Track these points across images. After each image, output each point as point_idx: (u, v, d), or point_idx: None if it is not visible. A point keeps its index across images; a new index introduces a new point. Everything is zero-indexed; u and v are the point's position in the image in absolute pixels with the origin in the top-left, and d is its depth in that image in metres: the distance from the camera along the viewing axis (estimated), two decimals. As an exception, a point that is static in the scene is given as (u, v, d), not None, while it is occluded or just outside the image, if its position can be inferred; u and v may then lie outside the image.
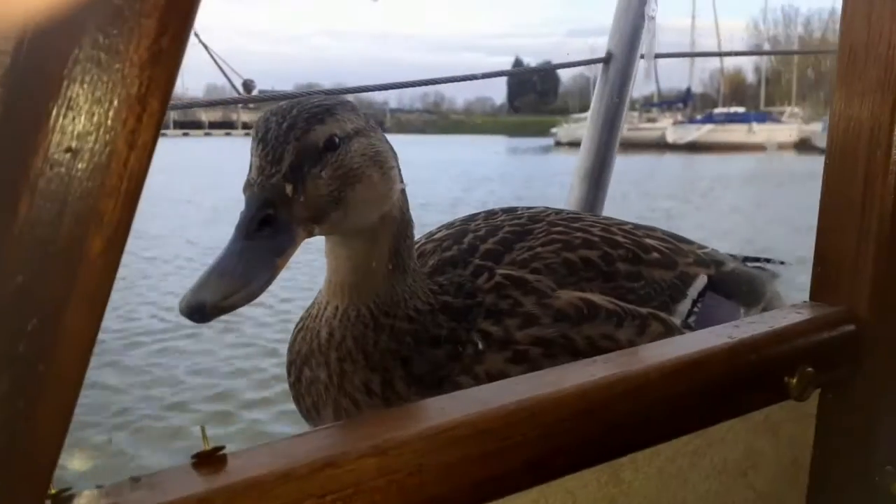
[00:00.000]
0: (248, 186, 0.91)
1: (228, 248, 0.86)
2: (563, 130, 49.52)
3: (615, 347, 1.06)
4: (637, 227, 1.28)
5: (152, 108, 0.53)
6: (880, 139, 0.93)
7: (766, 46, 67.39)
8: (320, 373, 1.07)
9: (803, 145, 43.07)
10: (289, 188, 0.90)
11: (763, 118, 47.64)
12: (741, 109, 50.78)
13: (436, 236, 1.25)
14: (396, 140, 1.11)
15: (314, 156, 0.93)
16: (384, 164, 1.01)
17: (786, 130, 45.92)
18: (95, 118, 0.51)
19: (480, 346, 1.05)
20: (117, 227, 0.53)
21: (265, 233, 0.87)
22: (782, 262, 1.49)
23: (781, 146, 43.73)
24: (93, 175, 0.52)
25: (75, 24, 0.51)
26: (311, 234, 0.94)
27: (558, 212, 1.29)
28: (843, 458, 1.00)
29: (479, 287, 1.10)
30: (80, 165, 0.51)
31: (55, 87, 0.50)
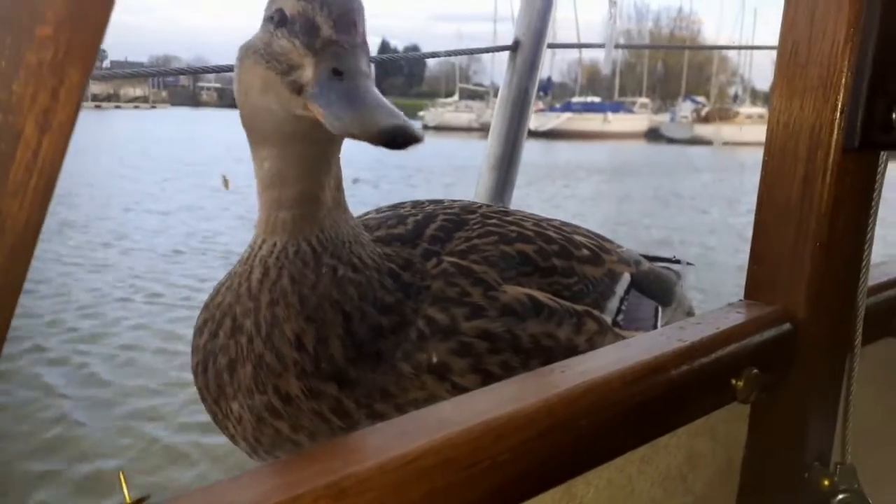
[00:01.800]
0: (332, 43, 0.84)
1: (364, 87, 0.80)
2: (431, 114, 50.06)
3: (556, 345, 1.02)
4: (563, 223, 1.25)
5: (72, 79, 0.40)
6: (822, 138, 0.92)
7: (621, 40, 71.02)
8: (245, 321, 0.94)
9: (652, 135, 46.00)
10: (368, 55, 0.87)
11: (617, 108, 50.31)
12: (597, 99, 53.33)
13: (373, 216, 1.17)
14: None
15: (366, 31, 0.90)
16: None
17: (637, 120, 48.83)
18: None
19: (425, 332, 0.97)
20: (23, 234, 0.40)
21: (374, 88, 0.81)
22: (689, 263, 1.51)
23: (633, 135, 46.45)
24: None
25: None
26: None
27: (488, 205, 1.24)
28: (775, 456, 1.01)
29: (427, 271, 1.02)
30: None
31: None
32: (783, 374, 0.98)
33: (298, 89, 0.85)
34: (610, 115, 47.43)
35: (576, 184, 20.51)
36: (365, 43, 0.88)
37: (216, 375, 0.98)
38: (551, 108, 48.54)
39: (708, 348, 0.87)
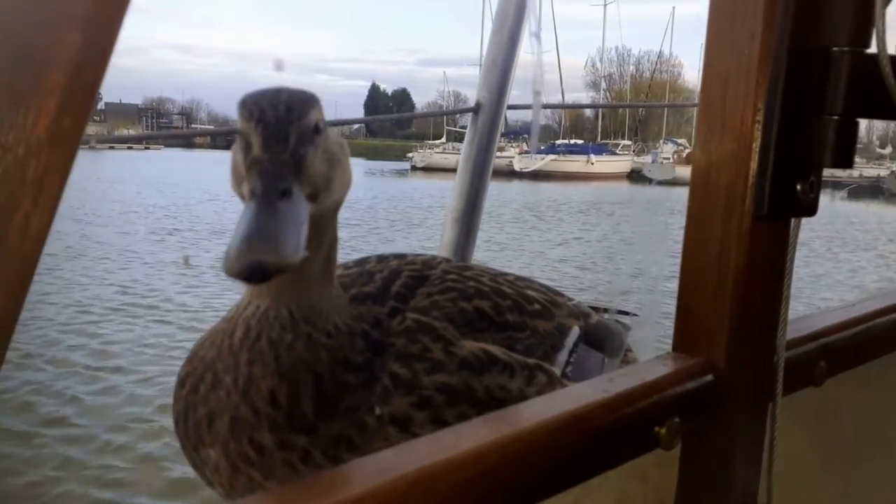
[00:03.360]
0: (256, 163, 0.90)
1: (258, 214, 0.82)
2: (419, 156, 50.70)
3: (508, 396, 1.10)
4: (518, 277, 1.34)
5: (49, 190, 0.49)
6: (735, 206, 1.02)
7: (603, 84, 72.45)
8: (225, 377, 1.01)
9: (635, 176, 46.63)
10: (296, 165, 0.92)
11: (600, 150, 51.01)
12: (580, 141, 54.05)
13: (345, 272, 1.25)
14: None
15: (309, 137, 0.95)
16: (347, 155, 1.05)
17: (620, 162, 49.51)
18: None
19: (390, 387, 1.05)
20: (4, 323, 0.48)
21: (285, 203, 0.85)
22: (635, 314, 1.60)
23: (616, 176, 47.03)
24: None
25: None
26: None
27: (447, 260, 1.33)
28: (703, 499, 1.08)
29: (392, 328, 1.11)
30: None
31: None
32: (708, 422, 1.06)
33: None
34: (593, 157, 48.10)
35: (545, 225, 20.58)
36: (295, 153, 0.92)
37: (196, 425, 1.05)
38: (536, 150, 49.13)
39: (631, 398, 0.95)
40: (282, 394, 1.00)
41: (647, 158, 49.76)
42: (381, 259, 1.30)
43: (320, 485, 0.76)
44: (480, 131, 2.16)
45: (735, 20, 1.00)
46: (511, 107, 2.19)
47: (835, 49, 0.97)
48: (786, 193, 1.01)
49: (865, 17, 0.94)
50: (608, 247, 16.72)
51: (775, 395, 1.09)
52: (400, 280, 1.20)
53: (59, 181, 0.49)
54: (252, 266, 0.75)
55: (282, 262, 0.76)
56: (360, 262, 1.30)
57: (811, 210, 1.03)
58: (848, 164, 1.00)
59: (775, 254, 1.06)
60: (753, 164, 1.01)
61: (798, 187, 1.01)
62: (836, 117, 0.98)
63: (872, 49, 0.95)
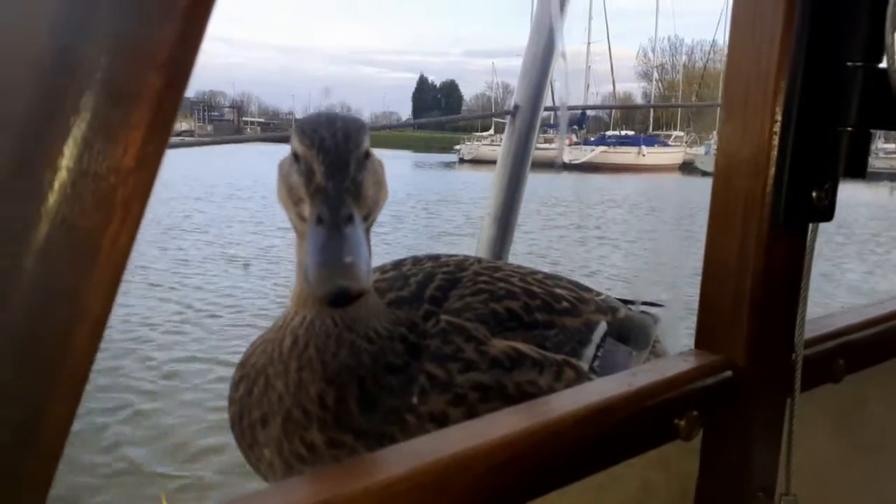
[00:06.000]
0: (320, 190, 0.98)
1: (329, 240, 0.91)
2: (467, 148, 50.65)
3: (538, 392, 1.18)
4: (547, 276, 1.41)
5: (135, 211, 0.58)
6: (753, 211, 1.07)
7: (655, 74, 71.29)
8: (277, 382, 1.11)
9: (688, 168, 45.75)
10: (355, 191, 0.99)
11: (651, 142, 50.11)
12: (631, 133, 53.28)
13: (382, 277, 1.33)
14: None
15: (362, 164, 1.04)
16: (385, 173, 1.14)
17: (672, 154, 48.62)
18: (81, 224, 0.56)
19: (426, 386, 1.13)
20: (99, 318, 0.58)
21: (350, 228, 0.94)
22: (661, 305, 1.65)
23: (668, 168, 46.24)
24: (77, 274, 0.57)
25: (61, 131, 0.55)
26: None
27: (479, 260, 1.40)
28: (723, 488, 1.14)
29: (427, 331, 1.19)
30: (63, 268, 0.56)
31: (40, 194, 0.55)
32: (728, 415, 1.12)
33: (303, 219, 1.02)
34: (645, 149, 47.36)
35: (587, 220, 20.19)
36: (355, 180, 1.00)
37: (250, 426, 1.14)
38: (586, 142, 48.65)
39: (653, 392, 1.02)
40: (329, 397, 1.08)
41: (701, 150, 48.80)
42: (417, 262, 1.37)
43: (361, 467, 0.85)
44: (518, 132, 2.23)
45: (756, 28, 1.05)
46: (547, 108, 2.26)
47: (849, 63, 1.01)
48: (802, 200, 1.06)
49: (878, 33, 0.98)
50: (646, 244, 16.35)
51: (794, 391, 1.14)
52: (434, 283, 1.27)
53: (142, 202, 0.59)
54: (336, 292, 0.84)
55: (363, 288, 0.87)
56: (397, 265, 1.38)
57: (827, 216, 1.08)
58: (861, 174, 1.04)
59: (793, 258, 1.11)
60: (771, 172, 1.06)
61: (814, 195, 1.06)
62: (850, 129, 1.02)
63: (884, 64, 0.99)
